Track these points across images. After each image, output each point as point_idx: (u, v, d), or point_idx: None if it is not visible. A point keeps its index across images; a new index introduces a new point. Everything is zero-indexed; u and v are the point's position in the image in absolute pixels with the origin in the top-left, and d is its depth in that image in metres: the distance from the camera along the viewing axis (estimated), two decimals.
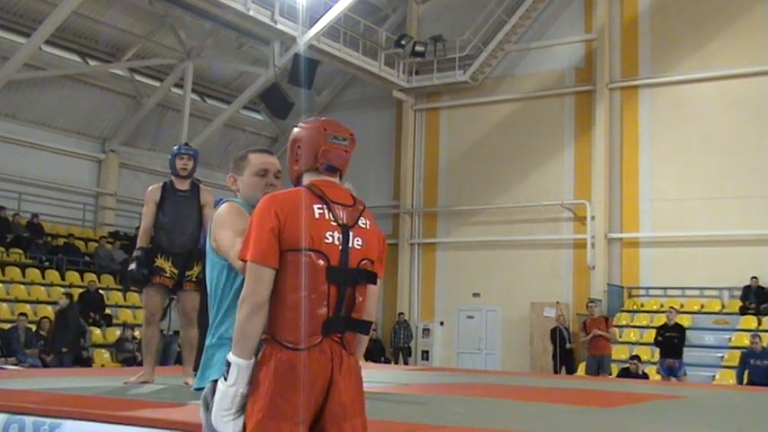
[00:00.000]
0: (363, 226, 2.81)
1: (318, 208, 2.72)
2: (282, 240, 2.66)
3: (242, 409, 2.66)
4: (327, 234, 2.70)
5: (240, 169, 3.16)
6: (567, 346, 18.54)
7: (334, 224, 2.72)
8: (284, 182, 3.14)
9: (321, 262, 2.67)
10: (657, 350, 15.39)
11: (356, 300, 2.74)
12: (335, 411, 2.66)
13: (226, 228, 2.97)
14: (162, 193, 6.90)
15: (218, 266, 2.99)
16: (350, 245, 2.73)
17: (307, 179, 2.86)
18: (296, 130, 2.93)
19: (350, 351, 2.75)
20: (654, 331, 15.91)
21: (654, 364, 16.13)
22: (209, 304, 3.04)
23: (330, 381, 2.66)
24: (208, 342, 2.97)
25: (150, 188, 7.01)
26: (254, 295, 2.64)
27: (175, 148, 7.13)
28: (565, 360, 18.44)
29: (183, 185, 6.96)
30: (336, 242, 2.71)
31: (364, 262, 2.77)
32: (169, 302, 7.36)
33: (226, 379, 2.65)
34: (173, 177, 7.00)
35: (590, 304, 15.87)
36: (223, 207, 3.08)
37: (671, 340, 14.83)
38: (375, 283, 2.82)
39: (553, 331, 18.63)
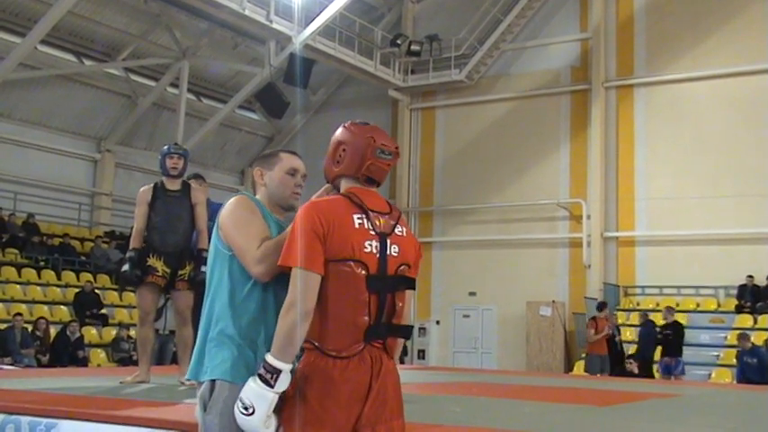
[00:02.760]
0: (400, 234, 2.84)
1: (358, 218, 2.75)
2: (325, 249, 2.68)
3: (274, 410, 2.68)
4: (366, 243, 2.73)
5: (270, 165, 3.13)
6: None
7: (373, 233, 2.76)
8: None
9: (361, 271, 2.71)
10: (659, 349, 15.32)
11: (396, 306, 2.79)
12: (371, 414, 2.69)
13: (239, 227, 2.93)
14: (153, 194, 6.91)
15: (226, 258, 2.94)
16: (387, 252, 2.77)
17: (345, 185, 2.89)
18: (342, 131, 2.92)
19: (391, 355, 2.80)
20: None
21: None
22: (208, 296, 2.97)
23: (369, 387, 2.70)
24: (209, 335, 2.91)
25: (141, 189, 7.02)
26: (303, 302, 2.65)
27: (165, 147, 7.12)
28: (614, 363, 15.68)
29: (173, 185, 6.96)
30: (374, 251, 2.74)
31: (402, 268, 2.82)
32: (165, 302, 7.37)
33: (271, 386, 2.63)
34: (163, 177, 7.00)
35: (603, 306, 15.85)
36: (233, 201, 3.02)
37: (668, 338, 14.83)
38: (414, 288, 2.86)
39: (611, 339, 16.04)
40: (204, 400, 2.87)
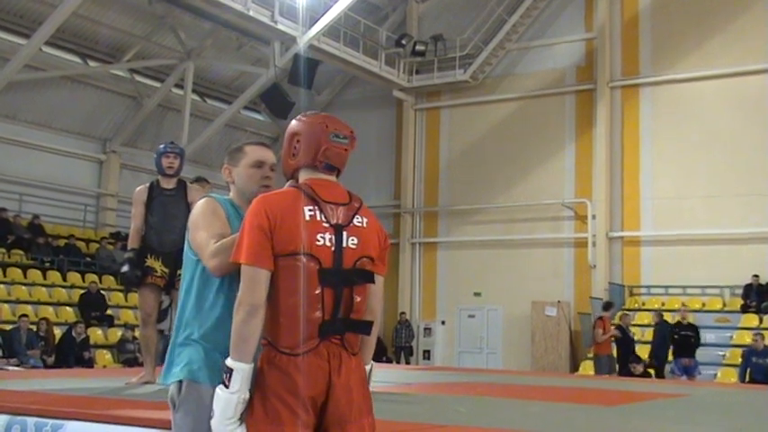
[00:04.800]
0: (359, 224, 2.75)
1: (309, 210, 2.67)
2: (274, 244, 2.62)
3: (242, 415, 2.62)
4: (318, 236, 2.65)
5: (236, 160, 3.09)
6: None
7: (326, 225, 2.67)
8: (279, 176, 3.11)
9: (313, 265, 2.63)
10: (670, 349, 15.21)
11: (354, 300, 2.69)
12: (337, 414, 2.64)
13: (200, 227, 2.93)
14: (149, 194, 6.88)
15: (193, 264, 2.96)
16: (344, 245, 2.68)
17: (302, 176, 2.80)
18: (295, 123, 2.86)
19: (351, 351, 2.71)
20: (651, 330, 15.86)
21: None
22: (180, 302, 2.99)
23: (329, 384, 2.63)
24: (177, 340, 2.94)
25: (137, 189, 6.99)
26: (250, 297, 2.59)
27: (161, 146, 7.08)
28: (625, 363, 14.97)
29: (169, 184, 6.92)
30: (328, 243, 2.66)
31: (361, 261, 2.72)
32: (170, 303, 7.37)
33: (227, 386, 2.59)
34: (159, 177, 6.98)
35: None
36: (199, 205, 3.02)
37: (687, 339, 14.68)
38: (373, 282, 2.76)
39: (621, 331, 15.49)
40: (173, 401, 2.89)
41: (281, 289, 2.63)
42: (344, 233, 2.70)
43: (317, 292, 2.62)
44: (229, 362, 2.61)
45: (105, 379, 8.03)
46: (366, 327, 2.76)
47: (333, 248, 2.66)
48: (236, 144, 3.22)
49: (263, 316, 2.62)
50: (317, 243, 2.64)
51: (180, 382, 2.86)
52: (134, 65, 21.92)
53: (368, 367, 2.86)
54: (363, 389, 2.75)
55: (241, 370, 2.59)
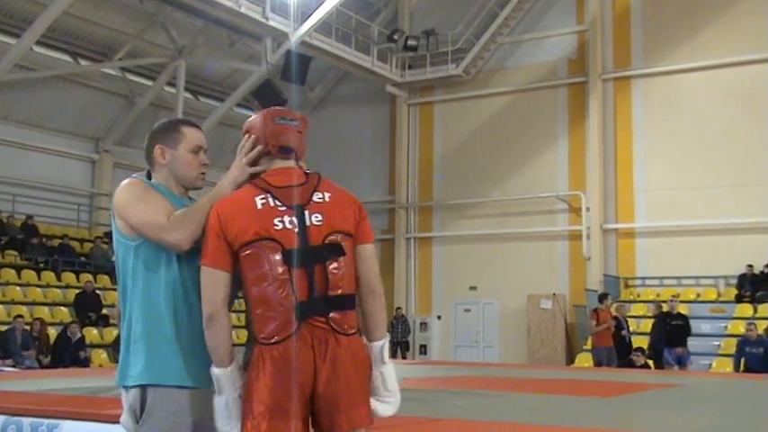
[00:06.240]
0: (320, 200, 2.68)
1: (261, 198, 2.63)
2: (231, 241, 2.58)
3: (239, 412, 2.58)
4: (275, 221, 2.59)
5: (173, 142, 2.90)
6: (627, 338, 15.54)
7: (283, 209, 2.62)
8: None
9: (275, 248, 2.56)
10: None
11: (329, 277, 2.59)
12: (324, 402, 2.54)
13: (137, 204, 2.71)
14: None
15: (132, 250, 2.72)
16: (307, 224, 2.61)
17: (261, 168, 2.78)
18: (246, 121, 2.89)
19: (343, 332, 2.58)
20: (649, 321, 15.87)
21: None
22: (125, 296, 2.75)
23: (315, 369, 2.53)
24: (131, 335, 2.69)
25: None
26: (206, 304, 2.58)
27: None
28: (621, 355, 15.01)
29: None
30: (289, 225, 2.60)
31: (333, 236, 2.64)
32: None
33: (216, 392, 2.60)
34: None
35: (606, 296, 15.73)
36: (125, 185, 2.80)
37: (679, 328, 14.70)
38: (343, 255, 2.64)
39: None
40: (135, 410, 2.66)
41: (248, 280, 2.58)
42: (306, 212, 2.64)
43: (283, 275, 2.55)
44: (211, 369, 2.60)
45: (101, 378, 8.02)
46: (346, 301, 2.63)
47: (296, 229, 2.60)
48: (167, 121, 3.01)
49: (225, 319, 2.59)
50: (276, 227, 2.58)
51: (143, 387, 2.64)
52: (126, 63, 21.85)
53: (379, 344, 2.72)
54: (358, 374, 2.61)
55: (221, 375, 2.57)
